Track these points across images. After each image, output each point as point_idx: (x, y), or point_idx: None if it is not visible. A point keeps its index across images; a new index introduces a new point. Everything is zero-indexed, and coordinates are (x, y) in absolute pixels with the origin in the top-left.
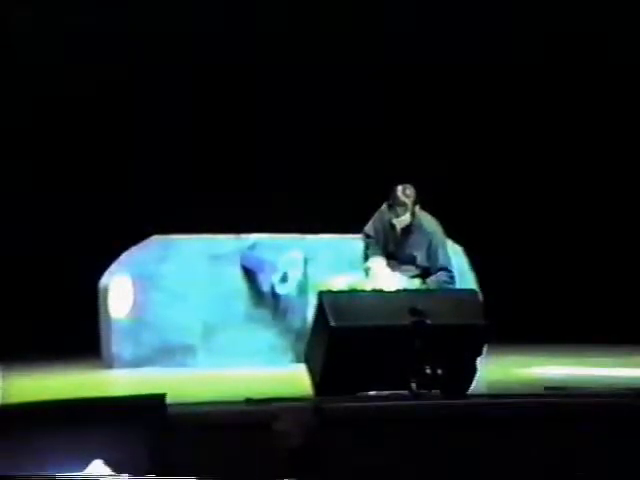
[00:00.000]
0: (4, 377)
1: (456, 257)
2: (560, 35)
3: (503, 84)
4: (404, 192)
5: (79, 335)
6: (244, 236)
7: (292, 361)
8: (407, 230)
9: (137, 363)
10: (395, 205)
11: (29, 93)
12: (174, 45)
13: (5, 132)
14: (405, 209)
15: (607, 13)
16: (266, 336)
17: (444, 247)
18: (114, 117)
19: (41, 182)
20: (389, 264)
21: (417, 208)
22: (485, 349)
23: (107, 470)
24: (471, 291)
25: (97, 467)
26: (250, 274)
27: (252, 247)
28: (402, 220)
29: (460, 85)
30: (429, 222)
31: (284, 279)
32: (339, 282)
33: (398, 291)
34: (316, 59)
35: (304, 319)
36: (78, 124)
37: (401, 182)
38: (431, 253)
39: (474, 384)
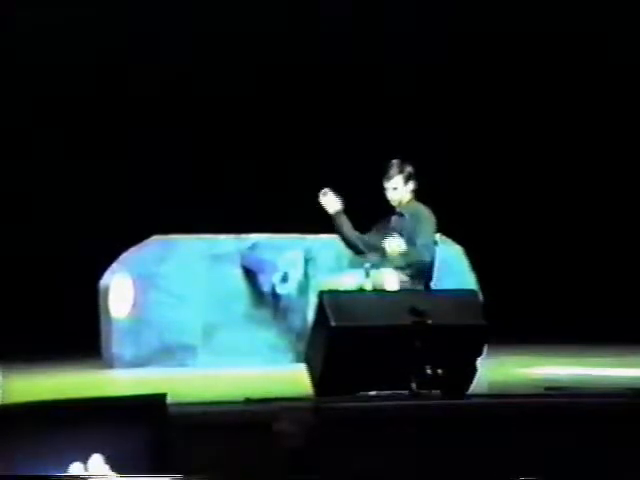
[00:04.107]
0: (4, 377)
1: (456, 258)
2: (559, 35)
3: (503, 84)
4: (397, 163)
5: (79, 335)
6: (244, 236)
7: (292, 361)
8: (401, 214)
9: (137, 363)
10: (386, 171)
11: (30, 93)
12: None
13: (5, 131)
14: (391, 177)
15: (606, 12)
16: (266, 336)
17: (426, 227)
18: (114, 117)
19: (41, 182)
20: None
21: (412, 197)
22: (485, 349)
23: (105, 467)
24: (471, 291)
25: (95, 461)
26: (250, 274)
27: (252, 247)
28: (390, 187)
29: (459, 85)
30: (421, 209)
31: (284, 279)
32: (346, 281)
33: (398, 291)
34: (310, 58)
35: (304, 319)
36: (78, 124)
37: None
38: (413, 231)
39: (474, 384)
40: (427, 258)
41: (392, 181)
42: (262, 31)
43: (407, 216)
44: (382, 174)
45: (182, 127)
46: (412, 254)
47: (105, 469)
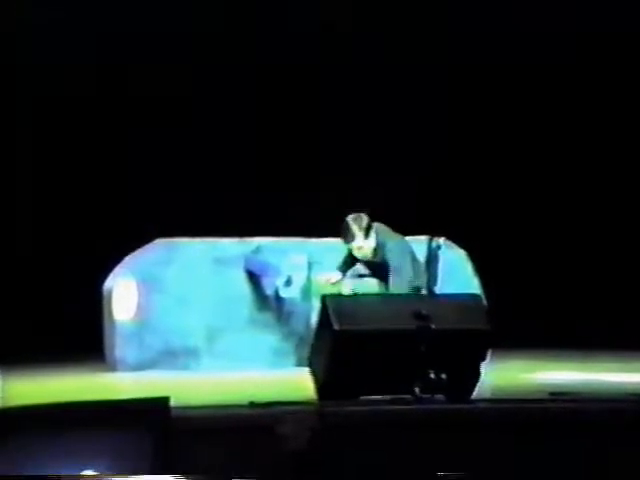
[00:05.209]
0: (4, 380)
1: (460, 262)
2: (558, 34)
3: (503, 85)
4: (353, 220)
5: (83, 338)
6: (248, 240)
7: (295, 365)
8: (373, 264)
9: (141, 366)
10: (345, 232)
11: (29, 93)
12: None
13: (5, 132)
14: (353, 237)
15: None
16: (270, 340)
17: (399, 279)
18: (117, 118)
19: (45, 183)
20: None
21: (378, 230)
22: (489, 354)
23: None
24: (475, 296)
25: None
26: (254, 278)
27: (256, 251)
28: (355, 247)
29: (460, 87)
30: (388, 249)
31: (288, 283)
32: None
33: (402, 295)
34: (312, 58)
35: (308, 323)
36: (81, 125)
37: (403, 185)
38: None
39: (478, 389)
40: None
41: (355, 241)
42: (265, 31)
43: (379, 264)
44: (341, 236)
45: (185, 128)
46: None
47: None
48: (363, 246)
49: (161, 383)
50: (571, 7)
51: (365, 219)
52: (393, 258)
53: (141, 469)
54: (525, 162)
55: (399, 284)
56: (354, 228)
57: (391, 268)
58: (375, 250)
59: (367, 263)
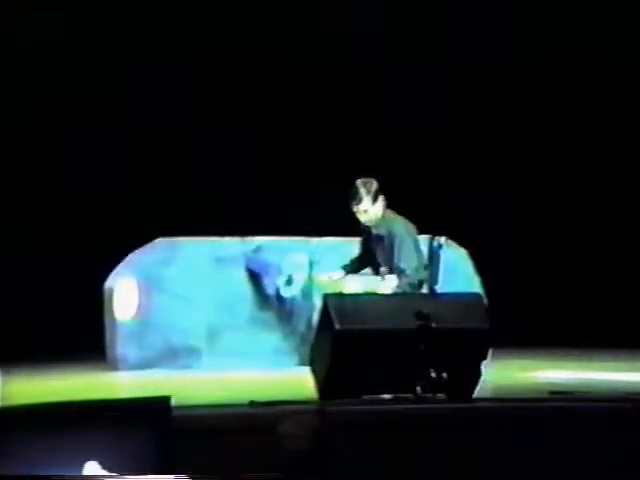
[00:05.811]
0: (4, 380)
1: (461, 260)
2: (556, 35)
3: (504, 84)
4: (362, 183)
5: (84, 337)
6: (249, 239)
7: (297, 364)
8: (380, 237)
9: (142, 365)
10: (353, 195)
11: (29, 93)
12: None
13: (5, 132)
14: (360, 200)
15: (608, 16)
16: (271, 339)
17: (406, 248)
18: (118, 119)
19: (45, 183)
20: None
21: (386, 211)
22: (490, 353)
23: (104, 472)
24: (476, 295)
25: (92, 468)
26: (255, 277)
27: (257, 250)
28: (361, 210)
29: (460, 86)
30: (396, 224)
31: (289, 282)
32: (351, 286)
33: (403, 294)
34: (314, 58)
35: (309, 322)
36: (83, 125)
37: (403, 184)
38: (393, 254)
39: (479, 388)
40: (417, 278)
41: (362, 204)
42: (265, 30)
43: (385, 237)
44: (348, 198)
45: (186, 128)
46: (402, 283)
47: (100, 471)
48: (369, 210)
49: (162, 382)
50: (571, 6)
51: (375, 184)
52: (399, 232)
53: (141, 469)
54: (525, 161)
55: (407, 255)
56: (362, 191)
57: (397, 239)
58: (380, 221)
59: (372, 238)
